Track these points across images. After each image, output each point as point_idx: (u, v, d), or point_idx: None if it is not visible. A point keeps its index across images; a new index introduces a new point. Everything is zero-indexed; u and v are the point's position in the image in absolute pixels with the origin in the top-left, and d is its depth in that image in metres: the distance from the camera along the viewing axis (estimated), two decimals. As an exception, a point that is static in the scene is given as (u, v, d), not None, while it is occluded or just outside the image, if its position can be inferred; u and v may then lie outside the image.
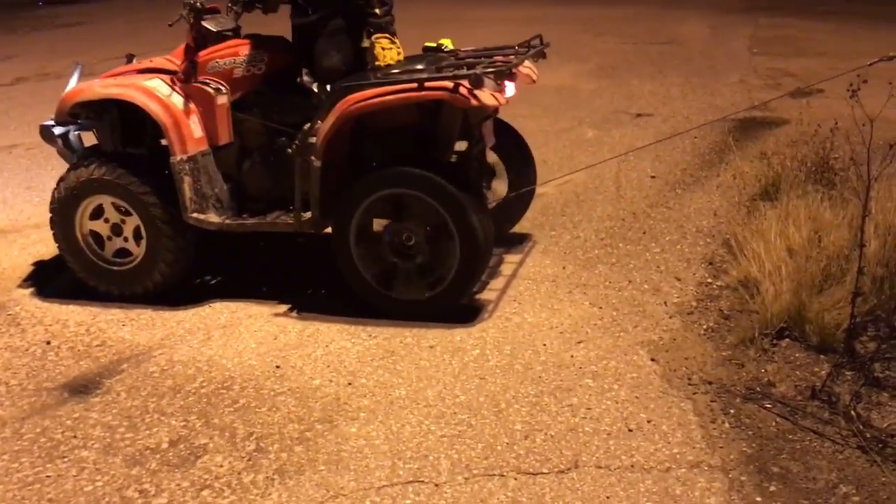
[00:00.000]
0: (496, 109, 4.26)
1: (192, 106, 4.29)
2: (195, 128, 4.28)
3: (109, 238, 4.46)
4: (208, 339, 4.02)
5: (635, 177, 6.39)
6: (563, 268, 4.68)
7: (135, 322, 4.24)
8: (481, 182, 4.49)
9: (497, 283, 4.48)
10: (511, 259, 4.82)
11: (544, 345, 3.79)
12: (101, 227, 4.45)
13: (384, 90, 3.85)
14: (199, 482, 2.92)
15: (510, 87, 4.22)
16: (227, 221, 4.30)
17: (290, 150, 4.10)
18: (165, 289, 4.43)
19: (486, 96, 3.80)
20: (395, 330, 3.98)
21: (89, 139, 4.66)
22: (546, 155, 7.10)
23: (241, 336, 4.04)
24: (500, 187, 5.01)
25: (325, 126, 3.94)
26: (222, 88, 4.34)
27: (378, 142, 4.26)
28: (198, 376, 3.66)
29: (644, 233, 5.17)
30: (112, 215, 4.40)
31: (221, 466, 3.00)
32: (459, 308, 4.13)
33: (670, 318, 4.01)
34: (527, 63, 4.54)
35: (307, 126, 4.08)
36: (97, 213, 4.43)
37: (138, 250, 4.40)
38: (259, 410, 3.36)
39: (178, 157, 4.19)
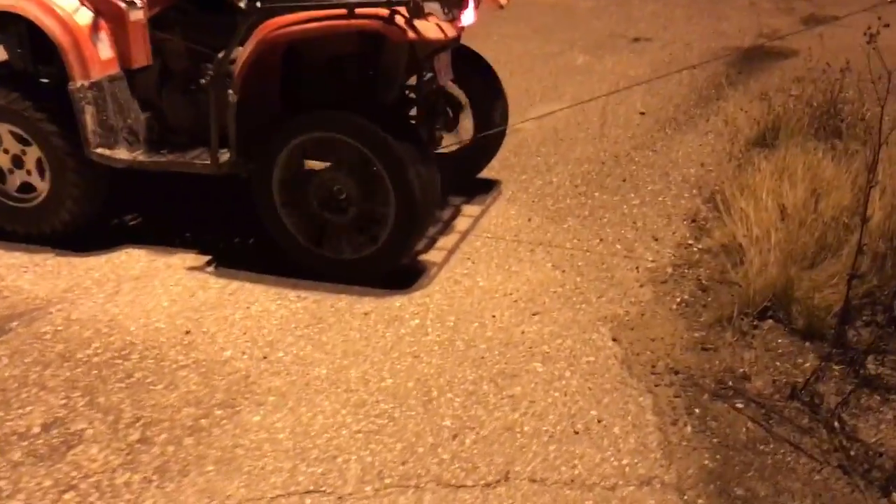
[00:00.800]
0: (451, 40, 3.65)
1: (100, 23, 3.69)
2: (103, 49, 3.70)
3: (10, 171, 3.93)
4: (116, 294, 3.54)
5: (623, 112, 5.82)
6: (529, 220, 4.17)
7: (38, 269, 3.76)
8: (431, 125, 3.90)
9: (451, 239, 3.97)
10: (471, 210, 4.30)
11: (493, 316, 3.31)
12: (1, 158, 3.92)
13: (308, 15, 3.25)
14: (64, 481, 2.49)
15: (469, 14, 3.63)
16: (140, 158, 3.77)
17: (203, 81, 3.54)
18: (75, 229, 3.93)
19: (429, 28, 3.21)
20: (327, 293, 3.50)
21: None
22: (529, 83, 6.52)
23: (154, 291, 3.56)
24: (465, 127, 4.45)
25: (242, 55, 3.37)
26: (136, 2, 3.74)
27: (314, 74, 3.68)
28: (94, 340, 3.19)
29: (624, 180, 4.64)
30: (11, 145, 3.86)
31: (95, 461, 2.57)
32: (404, 269, 3.64)
33: (641, 286, 3.52)
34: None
35: (222, 53, 3.49)
36: (-8, 144, 3.89)
37: (43, 185, 3.88)
38: (154, 388, 2.91)
39: (79, 84, 3.62)
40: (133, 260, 3.84)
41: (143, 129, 3.90)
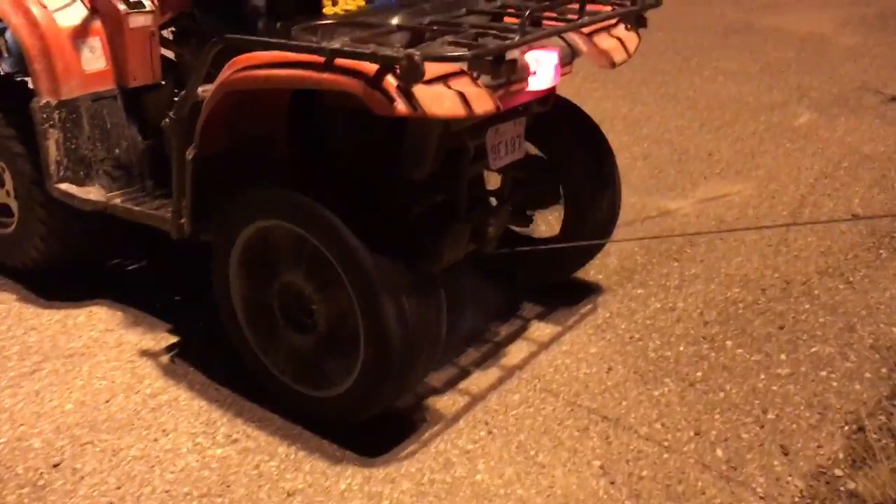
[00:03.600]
0: (505, 111, 2.47)
1: (93, 27, 2.92)
2: (90, 60, 2.93)
3: (-10, 188, 3.30)
4: (30, 374, 2.80)
5: (828, 209, 4.26)
6: (609, 370, 2.90)
7: (-21, 317, 3.09)
8: (480, 221, 2.73)
9: (482, 381, 2.82)
10: (534, 332, 3.09)
11: (462, 549, 2.14)
12: (-24, 172, 3.29)
13: (277, 58, 2.22)
14: None
15: (544, 77, 2.42)
16: (114, 202, 2.95)
17: (164, 124, 2.64)
18: (49, 268, 3.24)
19: (438, 98, 2.06)
20: (270, 439, 2.53)
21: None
22: (719, 143, 5.06)
23: (72, 382, 2.77)
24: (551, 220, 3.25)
25: (206, 100, 2.42)
26: (144, 3, 2.92)
27: (332, 127, 2.67)
28: (-53, 447, 2.43)
29: (781, 328, 3.19)
30: (-11, 161, 3.21)
31: None
32: (384, 422, 2.56)
33: (721, 548, 2.17)
34: (614, 30, 2.72)
35: (183, 92, 2.56)
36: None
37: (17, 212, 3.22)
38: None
39: (43, 101, 2.87)
40: (87, 325, 3.07)
41: (138, 162, 3.10)
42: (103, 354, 2.91)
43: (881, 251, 3.80)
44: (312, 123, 2.67)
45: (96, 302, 3.22)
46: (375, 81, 2.02)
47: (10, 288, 3.32)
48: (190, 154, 2.48)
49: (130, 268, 3.53)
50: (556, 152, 3.08)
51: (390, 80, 2.01)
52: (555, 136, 3.06)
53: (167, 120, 2.62)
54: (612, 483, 2.38)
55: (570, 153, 3.07)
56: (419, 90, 2.02)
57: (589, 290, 3.41)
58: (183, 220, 2.64)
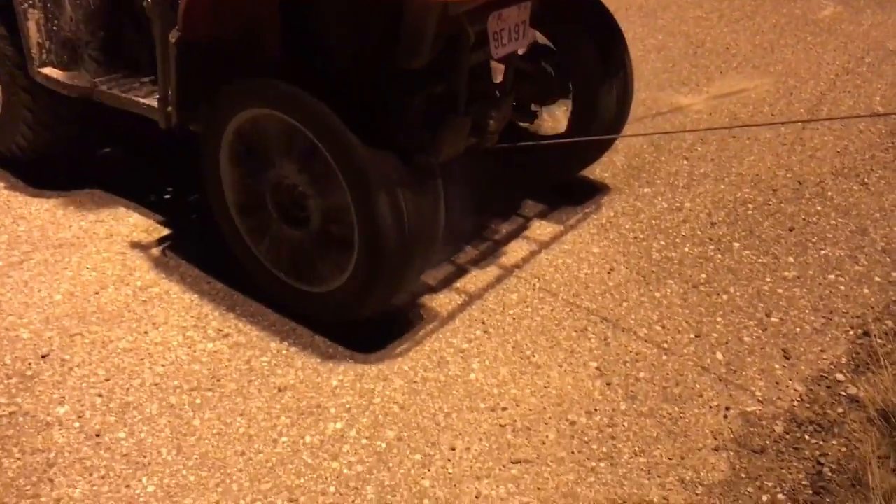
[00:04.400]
0: None
1: None
2: (66, -68, 2.74)
3: (-29, 73, 3.15)
4: (19, 264, 2.74)
5: (848, 106, 4.10)
6: (610, 270, 2.83)
7: (-34, 205, 3.02)
8: (481, 113, 2.59)
9: (480, 280, 2.75)
10: (536, 231, 3.01)
11: (452, 449, 2.12)
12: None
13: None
14: None
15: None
16: (101, 87, 2.82)
17: (146, 2, 2.48)
18: (37, 156, 3.14)
19: None
20: (262, 335, 2.49)
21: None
22: (737, 36, 4.83)
23: (62, 273, 2.71)
24: (558, 114, 3.11)
25: None
26: None
27: (325, 18, 2.50)
28: (-66, 337, 2.40)
29: (791, 229, 3.10)
30: (-25, 41, 3.06)
31: None
32: (379, 320, 2.51)
33: (716, 450, 2.14)
34: None
35: None
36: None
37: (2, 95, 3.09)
38: (-68, 446, 2.06)
39: (22, -21, 2.71)
40: (77, 215, 3.00)
41: (129, 47, 2.95)
42: (93, 245, 2.84)
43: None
44: (305, 12, 2.50)
45: (87, 192, 3.13)
46: None
47: (-1, 176, 3.23)
48: (173, 37, 2.33)
49: (122, 156, 3.41)
50: (563, 41, 2.91)
51: None
52: (562, 23, 2.88)
53: (148, 0, 2.46)
54: (608, 384, 2.34)
55: (579, 42, 2.90)
56: None
57: (594, 189, 3.31)
58: (170, 109, 2.52)
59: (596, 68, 2.93)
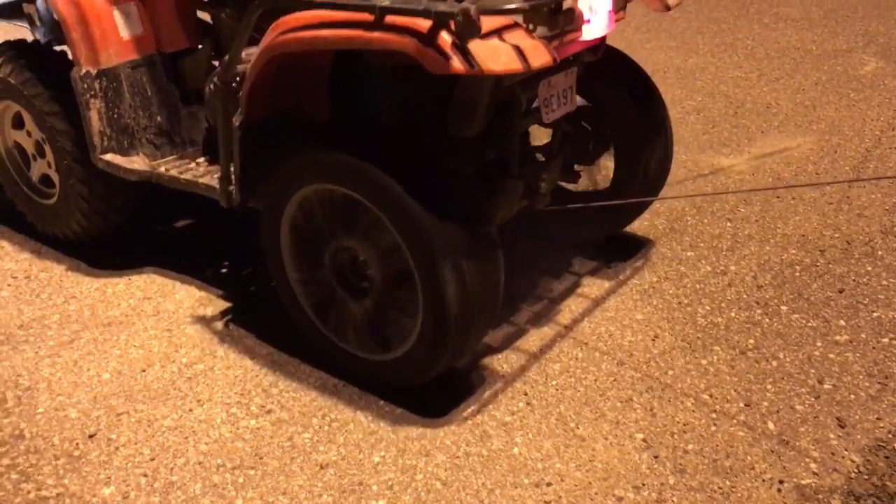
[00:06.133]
0: (561, 63, 2.34)
1: (125, -9, 2.86)
2: (127, 25, 2.87)
3: (34, 157, 3.29)
4: (69, 343, 2.80)
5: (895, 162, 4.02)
6: (655, 338, 2.79)
7: (16, 286, 3.11)
8: (533, 177, 2.63)
9: (528, 345, 2.73)
10: (579, 298, 2.99)
11: (497, 526, 2.08)
12: (25, 140, 3.28)
13: (322, 17, 2.13)
14: None
15: (597, 25, 2.29)
16: (160, 170, 2.91)
17: (208, 90, 2.57)
18: (90, 239, 3.24)
19: (495, 53, 1.95)
20: (307, 410, 2.50)
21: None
22: (778, 95, 4.81)
23: (110, 351, 2.77)
24: (604, 169, 3.13)
25: (251, 64, 2.34)
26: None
27: (374, 89, 2.57)
28: (-12, 418, 2.45)
29: (841, 291, 3.03)
30: (33, 129, 3.20)
31: None
32: (429, 390, 2.51)
33: (770, 527, 2.06)
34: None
35: (227, 56, 2.48)
36: (19, 121, 3.25)
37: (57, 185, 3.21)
38: (-19, 528, 2.09)
39: (84, 70, 2.83)
40: (126, 293, 3.06)
41: (183, 130, 3.06)
42: (141, 323, 2.89)
43: (954, 209, 3.57)
44: (355, 84, 2.57)
45: (136, 270, 3.21)
46: (429, 39, 1.92)
47: (53, 257, 3.33)
48: (237, 121, 2.42)
49: (170, 236, 3.50)
50: (605, 103, 2.96)
51: (445, 37, 1.91)
52: (604, 86, 2.92)
53: (210, 86, 2.56)
54: (656, 457, 2.28)
55: (620, 104, 2.94)
56: (475, 45, 1.91)
57: (636, 253, 3.28)
58: (232, 188, 2.59)
59: (637, 128, 2.96)
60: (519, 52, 1.99)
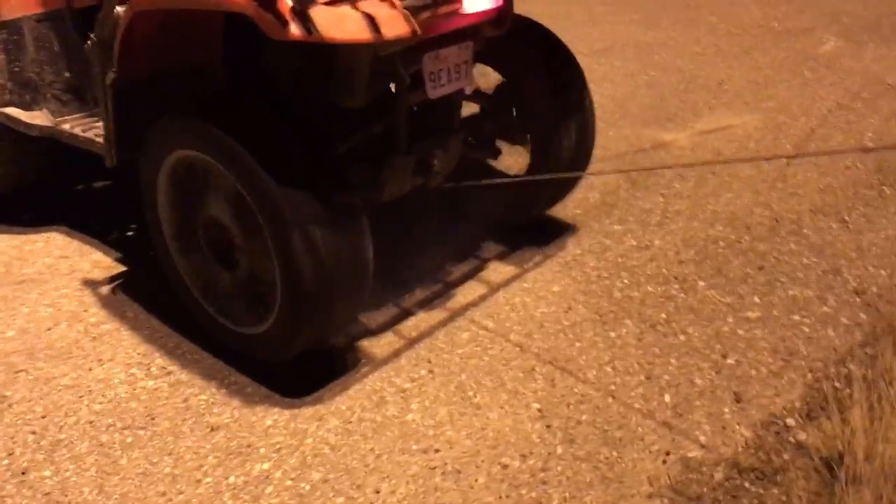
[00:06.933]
0: (437, 36, 2.30)
1: (37, -60, 2.80)
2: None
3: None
4: (-23, 299, 2.77)
5: (835, 141, 4.01)
6: (568, 309, 2.78)
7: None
8: (425, 154, 2.58)
9: (430, 319, 2.72)
10: (498, 270, 2.98)
11: (377, 492, 2.08)
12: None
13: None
14: None
15: (474, -3, 2.25)
16: (62, 127, 2.87)
17: (86, 45, 2.51)
18: (9, 192, 3.21)
19: (341, 21, 1.91)
20: (205, 372, 2.48)
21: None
22: (733, 72, 4.79)
23: (18, 309, 2.75)
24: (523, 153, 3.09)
25: (121, 21, 2.29)
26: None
27: (269, 51, 2.53)
28: None
29: (760, 268, 3.02)
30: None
31: None
32: (323, 357, 2.50)
33: (649, 498, 2.07)
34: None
35: (101, 14, 2.43)
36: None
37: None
38: None
39: (-16, 23, 2.78)
40: (43, 251, 3.05)
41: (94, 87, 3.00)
42: (54, 282, 2.87)
43: (884, 188, 3.58)
44: (249, 51, 2.52)
45: (56, 228, 3.19)
46: (268, 2, 1.87)
47: (-23, 212, 3.29)
48: (109, 79, 2.37)
49: (93, 195, 3.47)
50: (514, 81, 2.90)
51: (286, 1, 1.86)
52: (515, 61, 2.87)
53: (88, 42, 2.50)
54: (548, 427, 2.29)
55: (532, 80, 2.87)
56: (317, 12, 1.87)
57: (562, 227, 3.27)
58: (112, 148, 2.55)
59: (549, 109, 2.88)
60: (371, 21, 1.94)
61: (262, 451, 2.18)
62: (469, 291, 2.86)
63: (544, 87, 2.86)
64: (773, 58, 5.13)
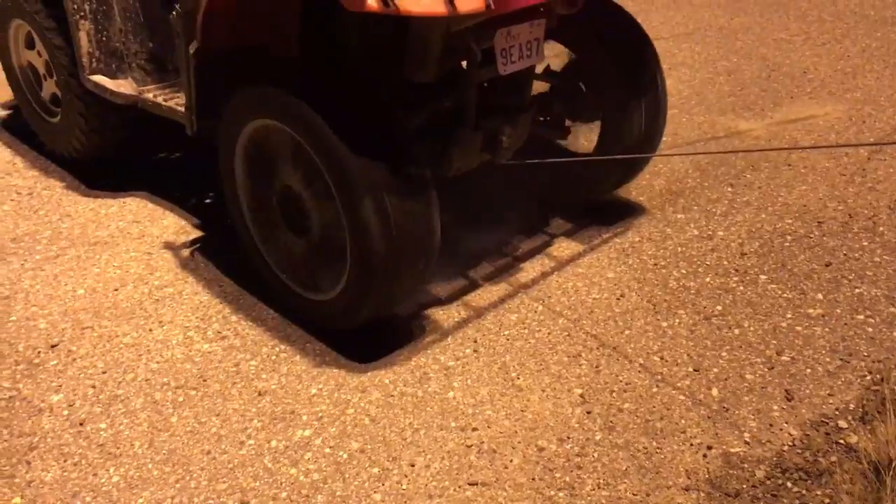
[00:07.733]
0: (518, 10, 2.29)
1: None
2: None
3: (45, 77, 3.40)
4: (54, 258, 2.94)
5: (918, 140, 3.82)
6: (620, 296, 2.75)
7: (19, 200, 3.25)
8: (495, 129, 2.59)
9: (482, 298, 2.73)
10: (555, 252, 2.97)
11: (412, 465, 2.12)
12: (36, 60, 3.40)
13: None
14: None
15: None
16: (146, 96, 2.99)
17: (172, 16, 2.60)
18: (91, 158, 3.36)
19: None
20: (259, 339, 2.56)
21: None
22: (820, 60, 4.61)
23: (89, 269, 2.88)
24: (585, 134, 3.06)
25: None
26: None
27: (341, 27, 2.57)
28: (-36, 322, 2.60)
29: (828, 265, 2.92)
30: (42, 49, 3.30)
31: None
32: (372, 331, 2.54)
33: (687, 490, 2.05)
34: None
35: None
36: (31, 42, 3.37)
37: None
38: (-64, 422, 2.24)
39: (73, -10, 2.91)
40: (117, 215, 3.18)
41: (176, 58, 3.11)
42: (125, 245, 3.00)
43: (972, 188, 3.39)
44: (327, 25, 2.57)
45: (132, 193, 3.32)
46: None
47: (58, 175, 3.46)
48: (192, 48, 2.45)
49: (168, 163, 3.59)
50: (588, 58, 2.87)
51: None
52: (587, 40, 2.84)
53: (174, 13, 2.59)
54: (588, 413, 2.28)
55: (603, 59, 2.84)
56: None
57: (624, 212, 3.23)
58: (193, 117, 2.64)
59: (620, 89, 2.86)
60: None
61: (305, 418, 2.24)
62: (523, 273, 2.86)
63: (616, 66, 2.83)
64: (865, 46, 4.91)
